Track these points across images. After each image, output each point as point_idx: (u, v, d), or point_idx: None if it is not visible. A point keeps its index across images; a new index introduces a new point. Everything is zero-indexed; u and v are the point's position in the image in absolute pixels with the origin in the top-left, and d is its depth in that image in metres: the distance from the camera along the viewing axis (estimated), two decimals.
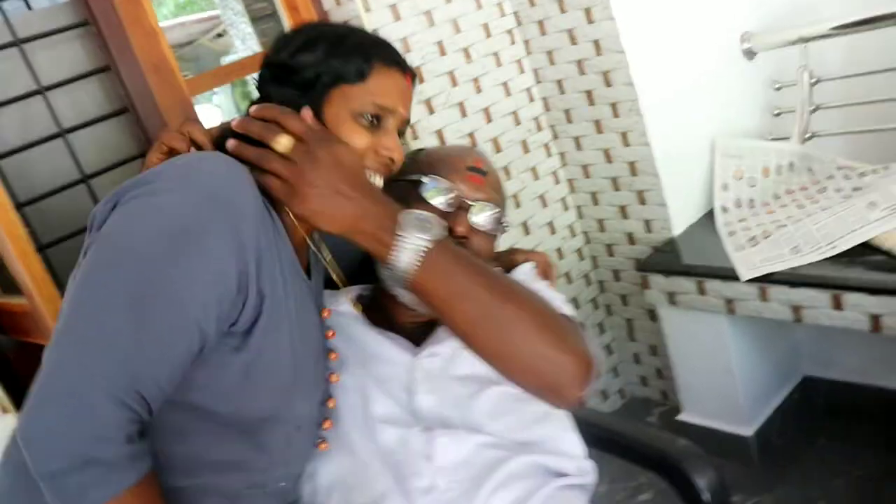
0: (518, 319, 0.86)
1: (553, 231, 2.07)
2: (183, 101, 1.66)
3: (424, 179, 1.05)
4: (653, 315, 2.08)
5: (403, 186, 1.06)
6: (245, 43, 4.66)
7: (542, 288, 1.07)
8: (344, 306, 1.08)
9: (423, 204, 1.03)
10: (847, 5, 1.78)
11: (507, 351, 0.87)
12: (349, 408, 0.99)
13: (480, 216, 1.06)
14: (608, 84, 1.85)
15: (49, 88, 1.54)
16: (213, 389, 0.83)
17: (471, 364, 0.99)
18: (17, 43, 1.52)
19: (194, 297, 0.76)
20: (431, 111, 1.80)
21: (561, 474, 0.99)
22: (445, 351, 1.01)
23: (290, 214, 0.90)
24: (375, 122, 0.93)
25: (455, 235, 1.02)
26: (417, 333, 1.05)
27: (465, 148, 1.21)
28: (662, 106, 1.87)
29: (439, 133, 1.81)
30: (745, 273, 1.66)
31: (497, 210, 1.08)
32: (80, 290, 0.76)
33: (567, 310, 1.02)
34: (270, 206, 0.86)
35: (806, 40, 1.90)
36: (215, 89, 3.64)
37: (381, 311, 1.09)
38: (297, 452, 0.97)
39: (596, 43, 1.83)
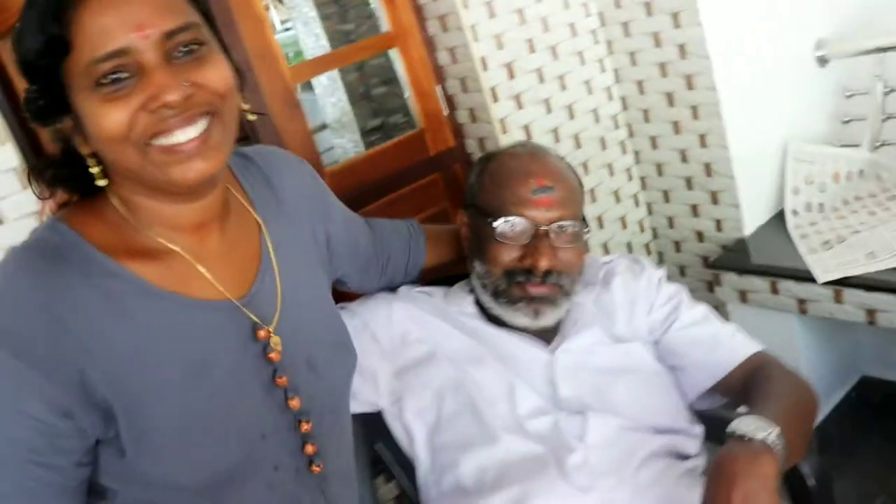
0: (810, 415, 1.09)
1: (624, 226, 2.14)
2: (286, 90, 1.73)
3: (495, 225, 1.08)
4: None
5: (479, 221, 1.12)
6: (307, 26, 4.67)
7: (729, 326, 1.25)
8: (468, 307, 1.16)
9: (501, 244, 1.09)
10: None
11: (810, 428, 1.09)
12: (491, 402, 1.06)
13: (561, 236, 1.09)
14: (690, 87, 1.91)
15: None
16: (134, 481, 0.75)
17: (603, 356, 1.11)
18: None
19: (5, 445, 0.69)
20: (520, 106, 1.86)
21: (684, 455, 1.07)
22: (577, 346, 1.11)
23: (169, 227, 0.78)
24: (128, 77, 0.67)
25: (542, 270, 1.07)
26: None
27: (525, 159, 1.14)
28: (740, 110, 1.92)
29: (526, 128, 1.88)
30: (822, 276, 1.73)
31: (575, 223, 1.10)
32: None
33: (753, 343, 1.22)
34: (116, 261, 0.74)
35: (882, 50, 1.95)
36: None
37: (486, 310, 1.16)
38: (292, 488, 0.85)
39: (681, 47, 1.89)
